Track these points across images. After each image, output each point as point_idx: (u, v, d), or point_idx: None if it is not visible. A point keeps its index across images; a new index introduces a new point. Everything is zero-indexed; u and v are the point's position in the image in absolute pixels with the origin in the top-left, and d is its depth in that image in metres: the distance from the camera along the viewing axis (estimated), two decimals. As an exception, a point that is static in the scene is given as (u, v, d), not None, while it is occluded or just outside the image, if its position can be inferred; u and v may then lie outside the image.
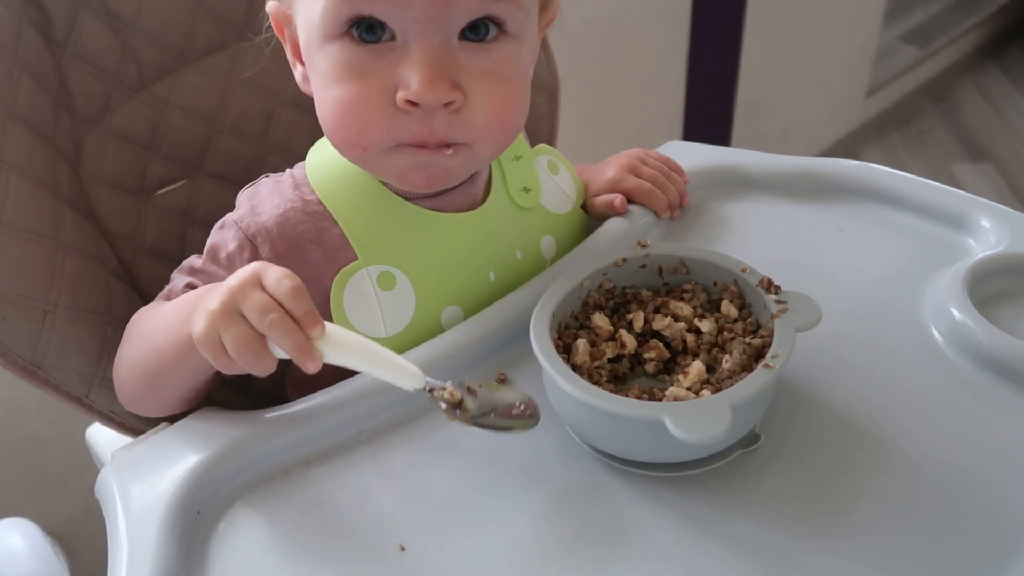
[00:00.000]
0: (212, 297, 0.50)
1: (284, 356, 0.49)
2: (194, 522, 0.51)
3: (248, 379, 0.78)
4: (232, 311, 0.49)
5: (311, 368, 0.48)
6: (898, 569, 0.46)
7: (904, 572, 0.46)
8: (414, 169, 0.55)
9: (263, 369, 0.49)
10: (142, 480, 0.53)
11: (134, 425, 0.69)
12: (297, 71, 0.59)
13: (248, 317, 0.49)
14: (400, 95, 0.51)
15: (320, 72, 0.54)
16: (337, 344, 0.49)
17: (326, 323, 0.49)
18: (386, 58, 0.52)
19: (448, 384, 0.50)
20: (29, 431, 1.14)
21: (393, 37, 0.52)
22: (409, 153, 0.54)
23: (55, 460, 1.18)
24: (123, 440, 0.67)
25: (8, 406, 1.10)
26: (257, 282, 0.49)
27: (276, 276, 0.49)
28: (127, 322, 0.63)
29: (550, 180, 0.68)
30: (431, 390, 0.50)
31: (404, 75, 0.51)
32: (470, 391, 0.51)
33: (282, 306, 0.49)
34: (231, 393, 0.77)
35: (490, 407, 0.50)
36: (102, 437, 0.81)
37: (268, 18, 0.60)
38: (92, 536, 1.19)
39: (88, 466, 0.80)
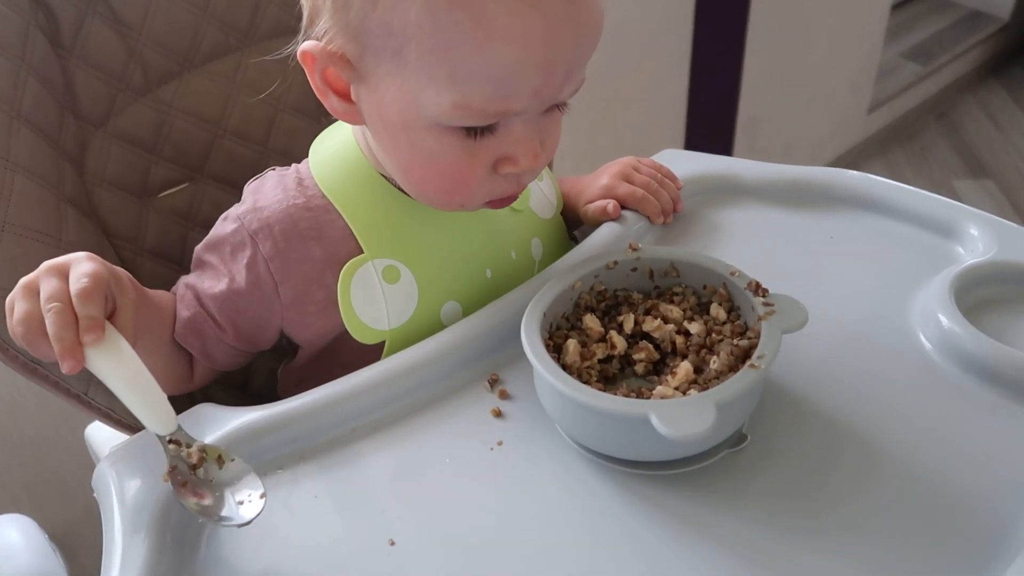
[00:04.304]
0: (26, 276, 0.51)
1: None
2: (188, 515, 0.51)
3: (246, 379, 0.80)
4: (33, 288, 0.50)
5: (64, 367, 0.48)
6: (882, 568, 0.46)
7: (889, 571, 0.46)
8: (491, 206, 0.60)
9: (39, 352, 0.49)
10: (138, 473, 0.53)
11: (133, 423, 0.70)
12: (332, 102, 0.57)
13: (41, 300, 0.49)
14: (508, 170, 0.56)
15: (422, 146, 0.56)
16: (107, 359, 0.49)
17: (115, 339, 0.50)
18: (491, 137, 0.55)
19: (195, 445, 0.51)
20: (30, 432, 1.15)
21: (497, 121, 0.54)
22: (498, 200, 0.60)
23: (55, 462, 1.18)
24: (121, 438, 0.68)
25: (9, 407, 1.11)
26: (64, 271, 0.50)
27: (81, 272, 0.50)
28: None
29: (536, 186, 0.70)
30: (172, 441, 0.50)
31: (509, 151, 0.55)
32: (220, 461, 0.51)
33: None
34: (228, 393, 0.78)
35: (223, 486, 0.50)
36: (101, 436, 0.82)
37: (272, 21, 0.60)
38: (90, 539, 1.20)
39: (87, 469, 0.81)
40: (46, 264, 0.51)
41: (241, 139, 0.78)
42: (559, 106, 0.57)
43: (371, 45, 0.52)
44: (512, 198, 0.60)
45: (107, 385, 0.50)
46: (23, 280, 0.51)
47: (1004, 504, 0.49)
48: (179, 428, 0.51)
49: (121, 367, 0.50)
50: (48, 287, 0.49)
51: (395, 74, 0.52)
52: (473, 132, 0.54)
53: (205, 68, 0.75)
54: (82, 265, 0.51)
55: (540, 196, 0.70)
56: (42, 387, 0.65)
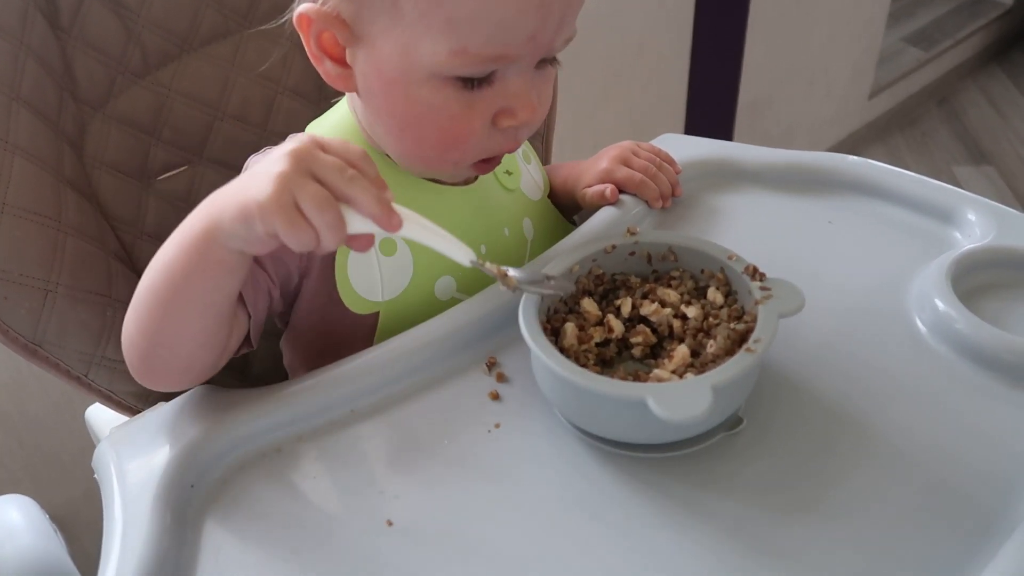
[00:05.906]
0: (272, 164, 0.47)
1: (357, 230, 0.48)
2: (187, 495, 0.52)
3: (247, 363, 0.80)
4: (305, 172, 0.46)
5: (391, 225, 0.47)
6: (877, 550, 0.47)
7: (883, 553, 0.46)
8: (479, 169, 0.61)
9: (336, 235, 0.47)
10: (138, 454, 0.54)
11: (133, 404, 0.71)
12: (327, 67, 0.58)
13: (324, 177, 0.46)
14: (507, 123, 0.57)
15: (420, 100, 0.56)
16: (403, 213, 0.48)
17: None
18: (488, 89, 0.56)
19: (491, 263, 0.54)
20: (31, 413, 1.15)
21: (494, 71, 0.55)
22: (485, 161, 0.60)
23: (56, 442, 1.19)
24: (121, 420, 0.69)
25: (10, 389, 1.12)
26: (321, 146, 0.47)
27: (340, 142, 0.48)
28: (127, 303, 0.63)
29: (525, 168, 0.72)
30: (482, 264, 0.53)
31: (507, 103, 0.56)
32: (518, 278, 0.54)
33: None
34: (230, 377, 0.78)
35: (535, 280, 0.55)
36: (101, 417, 0.82)
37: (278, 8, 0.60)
38: (91, 519, 1.21)
39: (88, 450, 0.81)
40: (296, 148, 0.47)
41: (240, 122, 0.77)
42: (551, 62, 0.58)
43: (367, 1, 0.53)
44: (497, 160, 0.61)
45: (414, 237, 0.50)
46: (283, 170, 0.46)
47: (997, 487, 0.49)
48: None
49: (414, 216, 0.49)
50: (330, 163, 0.46)
51: (392, 28, 0.53)
52: (470, 84, 0.55)
53: (204, 51, 0.75)
54: (332, 142, 0.48)
55: (529, 179, 0.71)
56: (42, 368, 0.65)
